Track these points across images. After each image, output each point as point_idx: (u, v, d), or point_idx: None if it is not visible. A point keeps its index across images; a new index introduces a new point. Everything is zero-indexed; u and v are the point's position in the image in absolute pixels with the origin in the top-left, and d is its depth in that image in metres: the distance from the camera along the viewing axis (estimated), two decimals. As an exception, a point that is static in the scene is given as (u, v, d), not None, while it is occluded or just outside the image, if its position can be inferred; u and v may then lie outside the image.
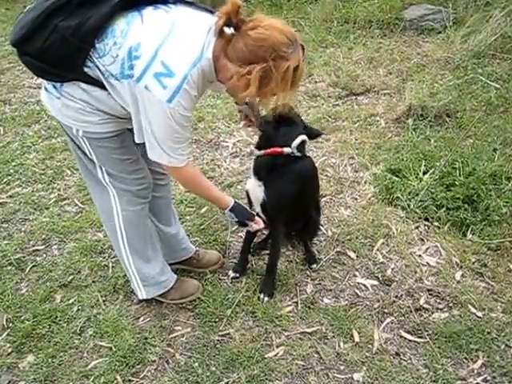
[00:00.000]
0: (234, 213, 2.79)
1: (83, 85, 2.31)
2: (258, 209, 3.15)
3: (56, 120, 2.59)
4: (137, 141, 2.40)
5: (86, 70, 2.26)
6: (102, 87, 2.30)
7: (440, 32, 7.16)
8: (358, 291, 3.26)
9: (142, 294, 3.11)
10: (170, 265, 3.24)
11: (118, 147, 2.57)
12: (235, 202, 2.81)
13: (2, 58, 7.36)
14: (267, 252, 3.47)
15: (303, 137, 2.99)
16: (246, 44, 2.14)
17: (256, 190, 3.07)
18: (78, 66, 2.24)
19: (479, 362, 2.77)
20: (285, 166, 2.99)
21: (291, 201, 3.10)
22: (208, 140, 5.10)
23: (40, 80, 2.58)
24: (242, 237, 3.68)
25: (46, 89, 2.47)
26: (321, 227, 3.70)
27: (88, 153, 2.57)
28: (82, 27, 2.17)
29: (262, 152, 3.00)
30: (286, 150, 2.96)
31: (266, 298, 3.23)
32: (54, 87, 2.38)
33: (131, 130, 2.55)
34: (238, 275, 3.41)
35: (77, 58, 2.23)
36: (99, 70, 2.24)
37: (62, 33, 2.17)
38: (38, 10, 2.20)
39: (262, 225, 2.96)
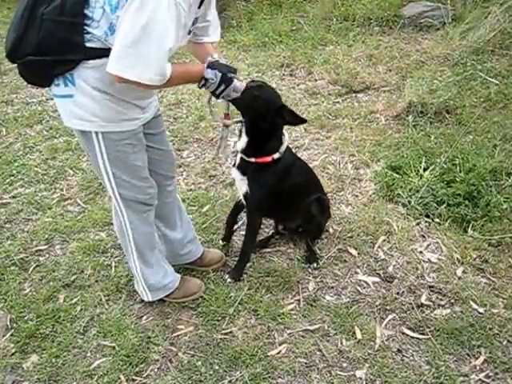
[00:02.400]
0: (215, 69, 2.55)
1: (92, 62, 2.28)
2: (241, 197, 3.29)
3: (70, 130, 2.56)
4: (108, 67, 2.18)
5: (88, 44, 2.24)
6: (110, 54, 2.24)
7: (439, 29, 7.15)
8: (359, 288, 3.27)
9: (148, 297, 3.14)
10: (173, 265, 3.25)
11: (132, 152, 2.58)
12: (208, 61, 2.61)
13: (4, 59, 7.36)
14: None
15: (287, 140, 3.11)
16: None
17: (239, 182, 3.19)
18: (79, 43, 2.23)
19: (481, 358, 2.78)
20: (267, 167, 3.08)
21: (273, 192, 3.18)
22: (209, 139, 5.11)
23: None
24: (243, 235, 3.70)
25: (55, 95, 2.45)
26: (324, 229, 3.71)
27: (102, 163, 2.55)
28: (66, 3, 2.19)
29: (253, 160, 3.04)
30: (276, 156, 3.04)
31: (228, 280, 3.33)
32: (65, 84, 2.35)
33: (145, 134, 2.66)
34: (224, 243, 3.64)
35: (75, 36, 2.22)
36: (98, 36, 2.22)
37: (51, 17, 2.19)
38: (20, 10, 2.25)
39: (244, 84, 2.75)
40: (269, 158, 3.03)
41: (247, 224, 3.38)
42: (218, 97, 2.65)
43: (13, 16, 2.31)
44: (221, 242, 3.64)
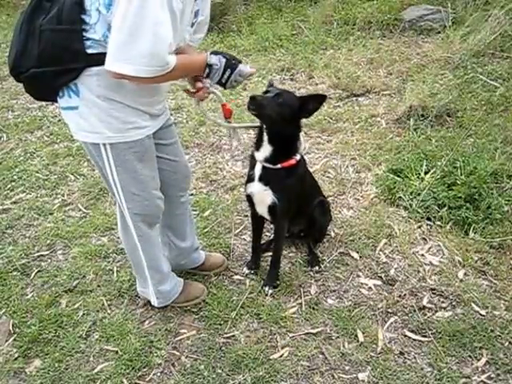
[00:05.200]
0: (218, 55, 2.47)
1: (95, 69, 2.24)
2: (261, 210, 3.20)
3: (70, 135, 2.55)
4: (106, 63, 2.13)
5: (89, 51, 2.21)
6: None
7: (439, 32, 7.16)
8: (361, 291, 3.27)
9: (155, 302, 3.13)
10: (174, 270, 3.25)
11: (141, 161, 2.55)
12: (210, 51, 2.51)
13: (3, 65, 7.40)
14: (270, 254, 3.48)
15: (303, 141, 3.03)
16: None
17: (262, 194, 3.08)
18: (80, 50, 2.20)
19: (483, 360, 2.78)
20: (291, 171, 3.02)
21: (297, 198, 3.16)
22: (210, 143, 5.12)
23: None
24: (245, 239, 3.73)
25: (61, 107, 2.43)
26: (327, 232, 3.71)
27: (111, 175, 2.54)
28: (63, 11, 2.17)
29: (279, 166, 2.97)
30: (298, 157, 3.01)
31: (270, 291, 3.28)
32: (69, 96, 2.33)
33: (156, 145, 2.64)
34: (251, 271, 3.48)
35: (75, 43, 2.20)
36: (97, 39, 2.20)
37: (49, 27, 2.18)
38: (18, 24, 2.24)
39: (250, 69, 2.61)
40: (293, 161, 2.99)
41: (277, 232, 3.36)
42: (224, 86, 2.54)
43: (12, 30, 2.31)
44: (246, 269, 3.50)
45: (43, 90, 2.39)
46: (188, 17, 2.33)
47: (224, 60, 2.46)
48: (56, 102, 2.43)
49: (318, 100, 2.87)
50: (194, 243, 3.34)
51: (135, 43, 2.04)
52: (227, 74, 2.49)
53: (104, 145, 2.42)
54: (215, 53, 2.48)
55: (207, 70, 2.45)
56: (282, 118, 2.81)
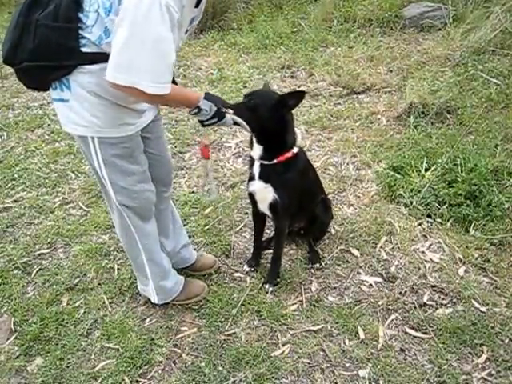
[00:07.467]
0: (210, 101, 2.54)
1: (88, 67, 2.26)
2: (263, 208, 3.19)
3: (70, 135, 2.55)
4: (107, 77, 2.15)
5: (83, 49, 2.22)
6: (106, 59, 2.17)
7: (440, 29, 7.16)
8: (362, 288, 3.28)
9: (155, 299, 3.14)
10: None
11: (130, 157, 2.57)
12: (205, 92, 2.61)
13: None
14: (271, 252, 3.48)
15: (299, 132, 3.01)
16: None
17: (263, 191, 3.07)
18: (75, 48, 2.21)
19: (483, 357, 2.79)
20: (289, 165, 3.00)
21: (299, 194, 3.15)
22: (211, 141, 5.11)
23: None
24: (245, 237, 3.73)
25: (53, 98, 2.44)
26: (328, 229, 3.71)
27: (99, 168, 2.55)
28: (60, 8, 2.17)
29: (275, 161, 2.96)
30: (295, 150, 3.00)
31: (270, 289, 3.28)
32: (61, 89, 2.35)
33: (141, 138, 2.63)
34: (252, 269, 3.48)
35: (70, 41, 2.20)
36: (93, 40, 2.21)
37: (45, 23, 2.18)
38: (15, 16, 2.24)
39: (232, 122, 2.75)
40: (290, 154, 2.97)
41: (278, 230, 3.35)
42: (203, 124, 2.64)
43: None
44: (246, 267, 3.50)
45: (35, 81, 2.43)
46: (185, 27, 2.37)
47: (215, 109, 2.54)
48: (47, 91, 2.44)
49: (297, 96, 2.85)
50: (179, 240, 3.33)
51: (138, 60, 2.09)
52: (213, 121, 2.59)
53: (92, 138, 2.43)
54: (208, 97, 2.54)
55: (195, 110, 2.51)
56: (260, 119, 2.81)
